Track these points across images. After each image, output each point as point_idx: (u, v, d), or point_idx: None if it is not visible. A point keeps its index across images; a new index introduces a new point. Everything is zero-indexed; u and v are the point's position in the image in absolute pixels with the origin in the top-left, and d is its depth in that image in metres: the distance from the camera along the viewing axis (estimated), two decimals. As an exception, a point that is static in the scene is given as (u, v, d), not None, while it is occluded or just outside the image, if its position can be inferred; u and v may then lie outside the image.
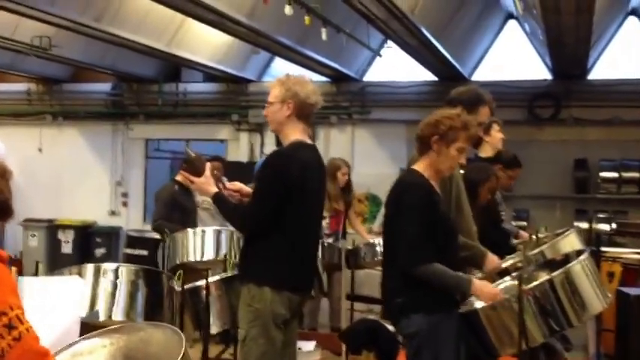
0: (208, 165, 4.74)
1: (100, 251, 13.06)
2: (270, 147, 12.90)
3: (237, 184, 4.78)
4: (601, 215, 11.14)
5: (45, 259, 13.26)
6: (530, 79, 12.22)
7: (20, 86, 14.14)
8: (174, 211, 7.93)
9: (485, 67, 12.72)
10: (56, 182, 13.83)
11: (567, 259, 4.63)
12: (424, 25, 9.13)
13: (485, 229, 5.35)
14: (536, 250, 5.42)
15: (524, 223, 10.78)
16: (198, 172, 4.71)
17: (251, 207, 4.52)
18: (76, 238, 13.31)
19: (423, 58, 11.17)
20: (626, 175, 11.54)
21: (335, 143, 12.78)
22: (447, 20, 10.27)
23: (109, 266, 4.80)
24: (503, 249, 5.72)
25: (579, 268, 4.31)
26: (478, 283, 4.19)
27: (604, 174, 11.59)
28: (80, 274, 4.70)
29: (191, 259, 6.65)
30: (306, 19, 8.35)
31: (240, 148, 13.06)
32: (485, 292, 4.21)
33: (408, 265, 4.08)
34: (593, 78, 12.05)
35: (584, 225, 10.69)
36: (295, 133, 4.59)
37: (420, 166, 4.31)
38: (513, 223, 8.64)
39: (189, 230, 6.87)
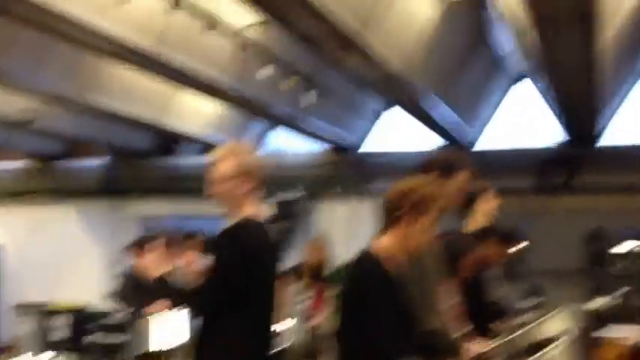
0: (157, 245, 4.28)
1: (94, 337, 12.52)
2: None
3: (189, 255, 4.31)
4: (616, 291, 10.63)
5: (38, 345, 12.85)
6: (539, 146, 11.79)
7: (14, 164, 13.85)
8: (141, 293, 7.41)
9: (491, 132, 12.34)
10: (52, 263, 13.35)
11: (547, 344, 4.10)
12: (423, 90, 8.75)
13: (469, 307, 4.86)
14: (517, 333, 4.82)
15: (539, 299, 10.20)
16: (144, 251, 4.26)
17: (203, 289, 4.09)
18: (70, 323, 12.67)
19: (428, 123, 10.80)
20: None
21: (335, 217, 12.29)
22: (450, 83, 9.87)
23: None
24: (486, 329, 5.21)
25: (556, 355, 3.83)
26: None
27: (618, 248, 11.10)
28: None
29: (155, 348, 6.27)
30: (291, 81, 7.99)
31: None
32: None
33: None
34: (606, 144, 11.57)
35: (598, 301, 10.23)
36: (250, 208, 4.14)
37: (384, 242, 3.84)
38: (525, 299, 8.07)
39: (152, 317, 6.44)
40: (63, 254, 13.38)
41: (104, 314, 12.44)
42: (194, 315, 4.31)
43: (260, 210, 4.21)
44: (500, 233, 6.03)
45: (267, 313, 4.26)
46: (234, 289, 4.00)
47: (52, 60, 8.53)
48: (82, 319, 12.67)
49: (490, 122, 12.32)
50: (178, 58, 7.80)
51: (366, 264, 3.82)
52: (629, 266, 11.04)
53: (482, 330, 4.88)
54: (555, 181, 11.43)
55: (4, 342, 13.26)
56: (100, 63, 8.96)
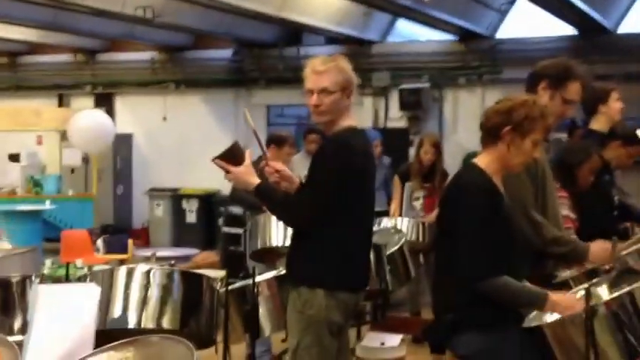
0: (248, 152, 4.19)
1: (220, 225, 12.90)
2: (394, 111, 12.33)
3: (279, 165, 4.24)
4: None
5: (170, 229, 13.37)
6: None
7: (143, 55, 14.12)
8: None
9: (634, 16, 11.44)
10: (180, 150, 13.70)
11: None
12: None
13: (591, 216, 4.81)
14: (631, 249, 4.50)
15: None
16: (237, 160, 4.17)
17: (306, 198, 4.02)
18: (200, 207, 13.28)
19: (558, 11, 10.21)
20: None
21: (463, 107, 12.00)
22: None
23: (141, 268, 4.37)
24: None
25: None
26: (556, 299, 3.51)
27: None
28: (113, 275, 4.35)
29: (273, 244, 6.12)
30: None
31: (364, 112, 12.40)
32: (564, 307, 3.50)
33: (471, 278, 3.48)
34: None
35: None
36: (350, 119, 4.12)
37: (483, 161, 3.67)
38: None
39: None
40: (190, 142, 13.64)
41: (226, 203, 12.76)
42: (291, 226, 4.26)
43: (357, 123, 4.19)
44: (622, 135, 5.75)
45: (366, 226, 4.22)
46: (333, 203, 3.95)
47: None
48: (211, 205, 13.06)
49: (631, 7, 11.47)
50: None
51: (470, 175, 3.69)
52: None
53: (613, 231, 4.70)
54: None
55: (136, 227, 13.85)
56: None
